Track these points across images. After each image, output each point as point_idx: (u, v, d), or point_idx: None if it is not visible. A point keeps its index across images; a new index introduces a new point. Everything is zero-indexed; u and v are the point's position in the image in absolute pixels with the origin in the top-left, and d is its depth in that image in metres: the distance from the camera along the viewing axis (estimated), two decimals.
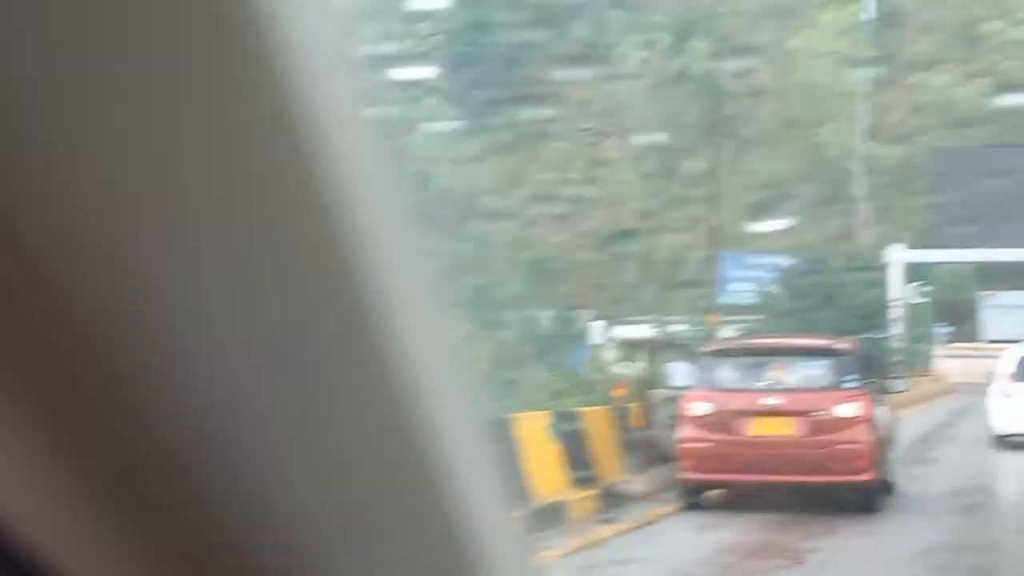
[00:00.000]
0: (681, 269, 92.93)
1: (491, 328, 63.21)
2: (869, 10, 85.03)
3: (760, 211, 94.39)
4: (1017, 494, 17.23)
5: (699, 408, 14.12)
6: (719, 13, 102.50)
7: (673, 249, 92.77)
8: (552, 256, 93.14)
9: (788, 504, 14.17)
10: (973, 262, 77.08)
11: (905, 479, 17.03)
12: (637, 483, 15.26)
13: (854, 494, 13.92)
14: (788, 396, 13.89)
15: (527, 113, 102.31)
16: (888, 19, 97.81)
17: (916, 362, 66.14)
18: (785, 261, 67.28)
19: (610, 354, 66.12)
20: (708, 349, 14.96)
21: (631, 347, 71.11)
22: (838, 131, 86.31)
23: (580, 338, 67.26)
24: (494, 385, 56.41)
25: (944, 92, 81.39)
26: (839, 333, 50.81)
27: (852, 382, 14.07)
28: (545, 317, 65.06)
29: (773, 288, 63.73)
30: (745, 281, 77.40)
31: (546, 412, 13.95)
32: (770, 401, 13.83)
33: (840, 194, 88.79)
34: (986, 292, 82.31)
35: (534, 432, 13.29)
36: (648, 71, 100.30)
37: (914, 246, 74.41)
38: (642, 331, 70.89)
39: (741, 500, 14.65)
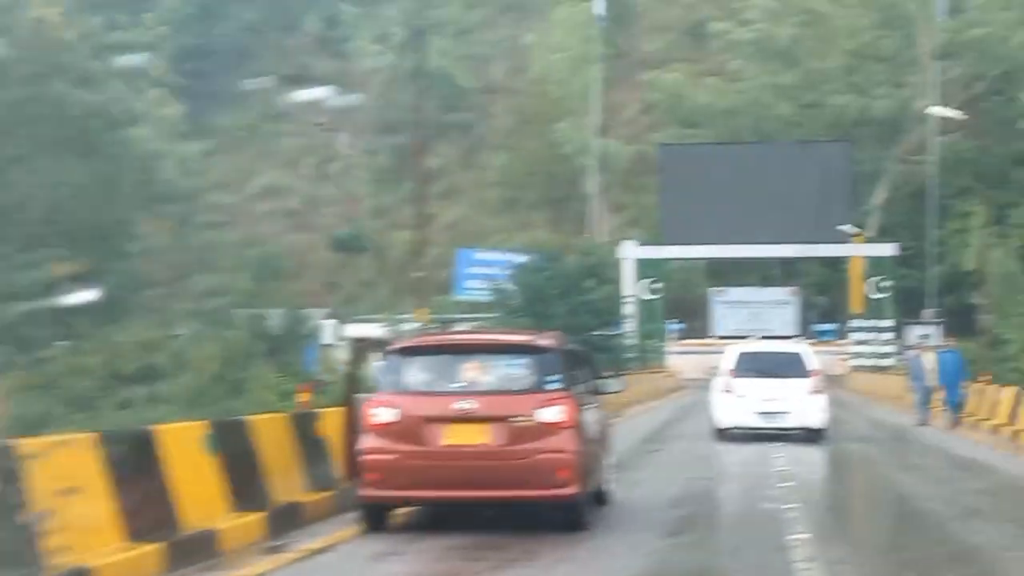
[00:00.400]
0: (416, 266, 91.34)
1: (219, 328, 61.10)
2: (600, 7, 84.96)
3: (496, 208, 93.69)
4: (736, 499, 15.95)
5: (382, 415, 12.18)
6: (454, 8, 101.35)
7: (408, 246, 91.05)
8: (283, 254, 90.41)
9: (484, 524, 12.43)
10: (704, 258, 77.76)
11: (624, 486, 15.56)
12: (316, 502, 13.30)
13: (559, 510, 12.20)
14: (483, 399, 12.05)
15: (257, 108, 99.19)
16: (620, 17, 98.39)
17: (649, 358, 66.08)
18: (520, 257, 66.10)
19: (342, 354, 64.39)
20: (395, 347, 12.97)
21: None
22: (573, 128, 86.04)
23: (311, 338, 64.94)
24: (222, 386, 54.25)
25: (674, 90, 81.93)
26: (573, 329, 49.83)
27: (557, 383, 12.30)
28: (276, 316, 62.55)
29: (507, 285, 62.45)
30: (481, 278, 76.32)
31: (201, 422, 11.80)
32: (463, 405, 11.98)
33: (574, 191, 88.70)
34: (716, 288, 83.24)
35: (185, 445, 11.18)
36: (382, 66, 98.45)
37: (646, 243, 74.58)
38: (373, 329, 69.31)
39: (431, 521, 12.88)
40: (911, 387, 30.42)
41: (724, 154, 73.49)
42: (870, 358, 69.20)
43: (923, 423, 29.36)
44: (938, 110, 38.66)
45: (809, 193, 70.84)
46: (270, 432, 13.17)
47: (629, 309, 66.56)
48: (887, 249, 70.92)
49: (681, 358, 74.61)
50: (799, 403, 24.46)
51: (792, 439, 24.52)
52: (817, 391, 24.67)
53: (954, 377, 28.07)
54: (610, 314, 62.17)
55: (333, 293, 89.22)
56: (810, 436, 24.60)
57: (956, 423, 28.24)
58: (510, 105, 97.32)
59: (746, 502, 15.53)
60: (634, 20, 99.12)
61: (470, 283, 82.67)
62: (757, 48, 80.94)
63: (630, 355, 61.67)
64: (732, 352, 25.78)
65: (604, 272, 63.92)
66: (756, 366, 24.97)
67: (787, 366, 25.04)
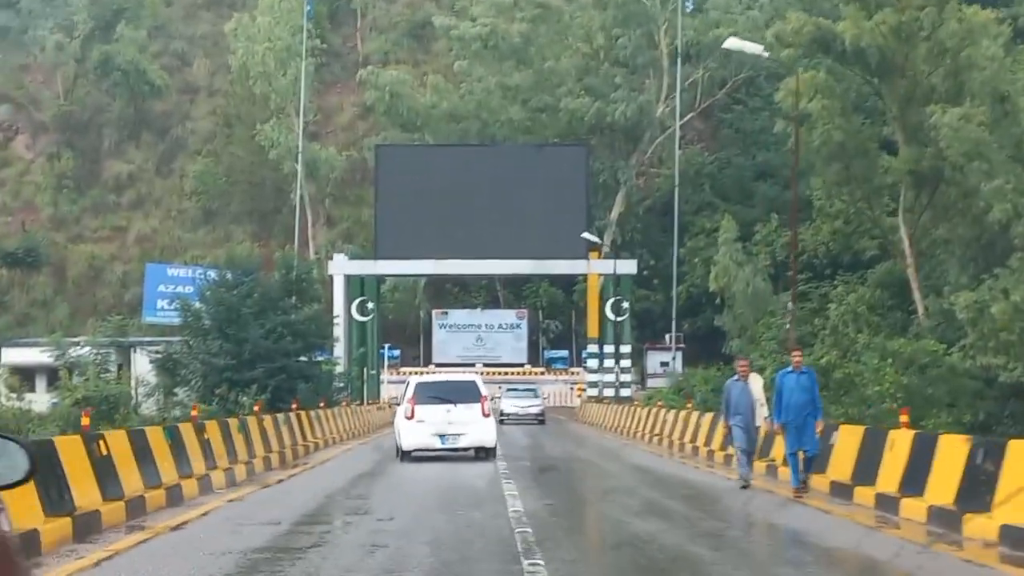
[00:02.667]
0: (100, 284, 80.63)
1: None
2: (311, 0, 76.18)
3: (195, 220, 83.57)
4: None
5: None
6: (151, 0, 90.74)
7: (92, 261, 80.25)
8: None
9: None
10: (423, 275, 69.37)
11: None
12: None
13: None
14: None
15: None
16: (336, 15, 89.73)
17: (360, 388, 57.55)
18: (215, 273, 56.49)
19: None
20: None
21: (21, 374, 59.42)
22: (279, 129, 76.73)
23: None
24: None
25: (393, 88, 73.56)
26: (272, 355, 40.59)
27: None
28: None
29: (196, 304, 52.05)
30: (172, 297, 66.07)
31: None
32: None
33: (283, 203, 79.44)
34: (438, 310, 75.23)
35: None
36: (66, 59, 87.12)
37: (358, 257, 66.04)
38: (37, 355, 59.08)
39: None
40: (726, 427, 19.34)
41: (448, 158, 65.47)
42: (609, 387, 62.30)
43: (746, 483, 19.43)
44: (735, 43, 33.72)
45: (542, 203, 63.51)
46: None
47: (338, 332, 57.71)
48: (626, 266, 64.11)
49: (397, 388, 66.42)
50: (473, 426, 26.11)
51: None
52: (487, 415, 26.48)
53: (805, 413, 17.58)
54: (317, 337, 52.37)
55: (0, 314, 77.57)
56: (482, 455, 26.14)
57: (804, 489, 18.84)
58: (212, 106, 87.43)
59: None
60: (352, 18, 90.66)
61: (161, 303, 72.86)
62: (485, 46, 73.37)
63: (339, 384, 52.42)
64: (413, 382, 27.60)
65: (310, 290, 54.36)
66: (434, 393, 26.61)
67: (462, 393, 26.63)
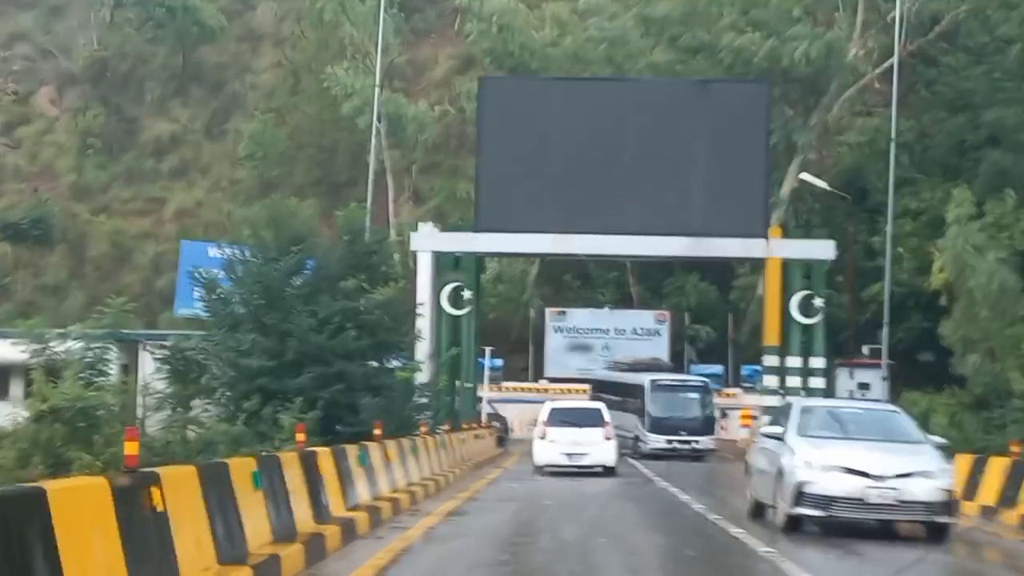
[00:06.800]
0: (127, 268, 64.74)
1: None
2: None
3: (250, 192, 67.18)
4: None
5: None
6: None
7: (118, 239, 64.46)
8: None
9: None
10: (538, 254, 51.67)
11: None
12: None
13: None
14: None
15: None
16: None
17: (448, 410, 41.11)
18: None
19: None
20: None
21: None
22: (357, 74, 60.23)
23: None
24: None
25: (501, 20, 56.67)
26: (327, 356, 28.53)
27: None
28: None
29: (229, 289, 34.82)
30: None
31: None
32: None
33: (357, 168, 62.83)
34: (554, 309, 58.26)
35: None
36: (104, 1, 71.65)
37: (456, 228, 49.12)
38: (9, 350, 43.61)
39: None
40: None
41: (576, 97, 47.89)
42: None
43: None
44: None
45: (704, 161, 46.23)
46: None
47: (423, 327, 40.98)
48: (821, 249, 46.69)
49: (502, 409, 49.95)
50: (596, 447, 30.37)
51: None
52: (609, 438, 30.64)
53: None
54: (393, 334, 34.66)
55: (4, 298, 61.85)
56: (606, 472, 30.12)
57: None
58: (276, 58, 71.30)
59: None
60: None
61: (199, 292, 56.76)
62: None
63: (422, 401, 35.16)
64: (547, 407, 32.00)
65: (385, 266, 36.81)
66: (564, 418, 31.12)
67: (588, 418, 31.20)
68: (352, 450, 17.54)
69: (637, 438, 41.92)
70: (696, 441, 41.51)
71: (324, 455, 15.61)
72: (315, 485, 14.46)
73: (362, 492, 17.36)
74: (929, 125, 58.34)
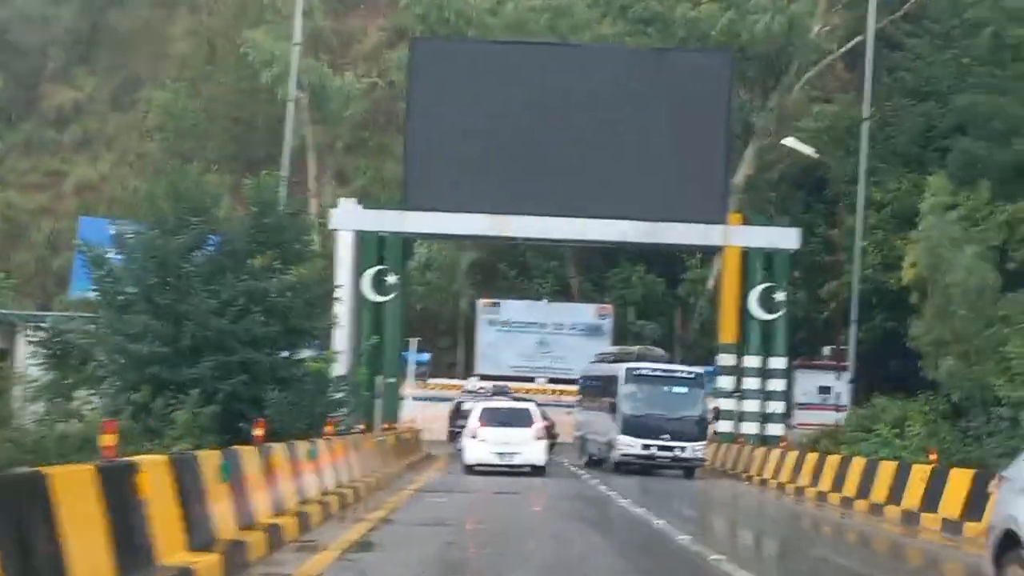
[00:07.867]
0: (20, 245, 59.43)
1: None
2: None
3: (157, 164, 61.91)
4: None
5: None
6: None
7: (10, 213, 59.22)
8: None
9: None
10: (472, 236, 46.77)
11: None
12: None
13: None
14: None
15: None
16: None
17: (368, 403, 36.57)
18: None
19: None
20: None
21: None
22: (277, 39, 55.30)
23: None
24: None
25: None
26: (230, 343, 25.47)
27: None
28: None
29: (119, 266, 30.26)
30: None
31: None
32: None
33: (276, 143, 57.82)
34: (486, 301, 53.71)
35: None
36: None
37: (381, 206, 44.35)
38: None
39: None
40: None
41: (517, 62, 43.21)
42: (751, 420, 40.65)
43: None
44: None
45: (658, 138, 41.78)
46: None
47: (342, 313, 36.31)
48: (784, 237, 42.50)
49: (424, 408, 45.36)
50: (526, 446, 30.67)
51: None
52: (540, 438, 31.03)
53: None
54: (305, 319, 29.94)
55: None
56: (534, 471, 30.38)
57: None
58: (192, 24, 66.14)
59: None
60: None
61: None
62: None
63: (338, 395, 30.54)
64: (479, 408, 32.63)
65: (296, 244, 31.87)
66: (496, 418, 31.32)
67: (518, 418, 31.32)
68: (210, 458, 12.27)
69: (610, 443, 34.27)
70: (681, 448, 33.31)
71: (152, 468, 10.12)
72: (123, 515, 9.17)
73: (220, 521, 11.95)
74: (892, 113, 54.42)
